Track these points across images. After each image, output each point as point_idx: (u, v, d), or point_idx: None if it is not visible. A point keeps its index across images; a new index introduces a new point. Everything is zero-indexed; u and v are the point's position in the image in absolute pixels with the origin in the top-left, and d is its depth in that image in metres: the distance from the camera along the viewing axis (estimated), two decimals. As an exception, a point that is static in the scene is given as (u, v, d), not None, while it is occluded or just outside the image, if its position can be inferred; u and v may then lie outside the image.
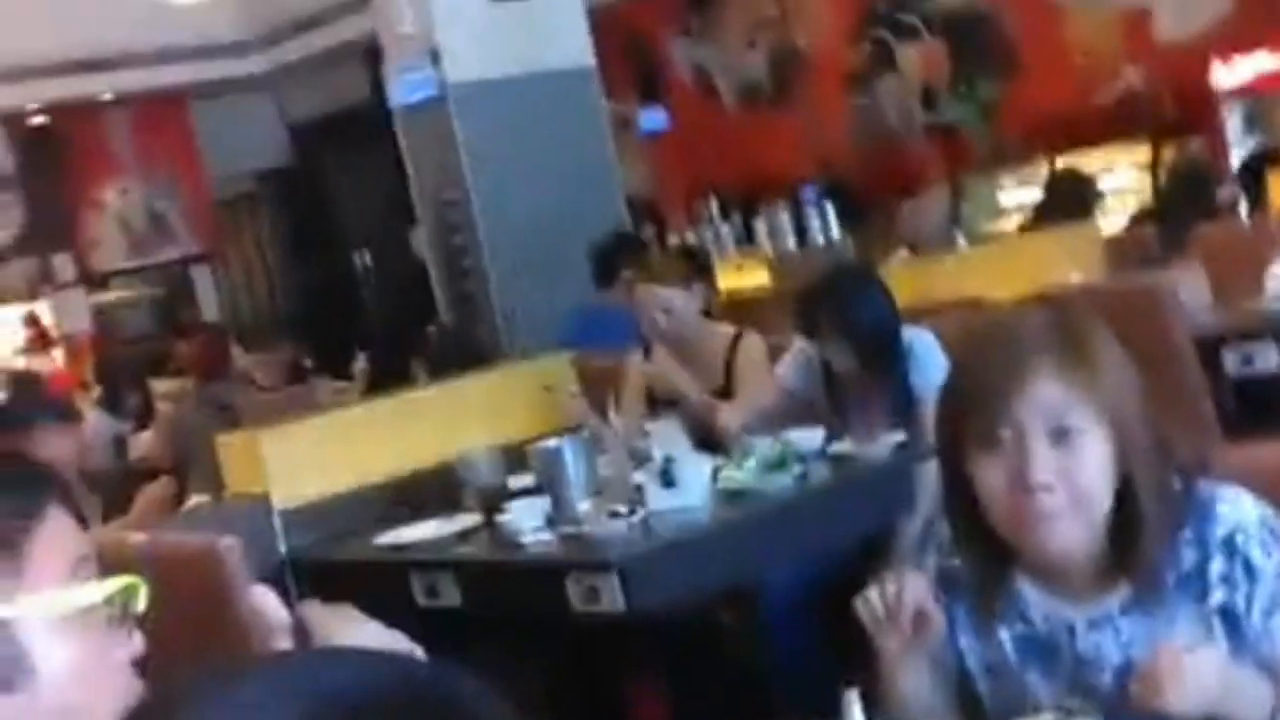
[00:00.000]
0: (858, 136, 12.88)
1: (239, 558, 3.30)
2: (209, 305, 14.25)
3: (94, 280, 13.67)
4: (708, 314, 5.21)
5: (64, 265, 13.52)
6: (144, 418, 7.96)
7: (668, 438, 3.96)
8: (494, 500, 4.09)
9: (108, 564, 1.54)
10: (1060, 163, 9.70)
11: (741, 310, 7.64)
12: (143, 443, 7.29)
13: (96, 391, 9.15)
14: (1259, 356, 4.95)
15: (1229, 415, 5.00)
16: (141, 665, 1.52)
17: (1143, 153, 10.29)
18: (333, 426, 4.82)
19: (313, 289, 14.54)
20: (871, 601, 1.99)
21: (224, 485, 4.69)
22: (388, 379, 6.52)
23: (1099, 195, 7.90)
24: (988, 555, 2.02)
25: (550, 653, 4.15)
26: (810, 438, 4.23)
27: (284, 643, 1.39)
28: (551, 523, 3.88)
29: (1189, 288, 5.29)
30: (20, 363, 12.30)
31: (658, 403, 4.98)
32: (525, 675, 3.94)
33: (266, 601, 1.43)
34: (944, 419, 2.03)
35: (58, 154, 13.34)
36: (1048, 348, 1.92)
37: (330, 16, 11.84)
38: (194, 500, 4.83)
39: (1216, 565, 1.93)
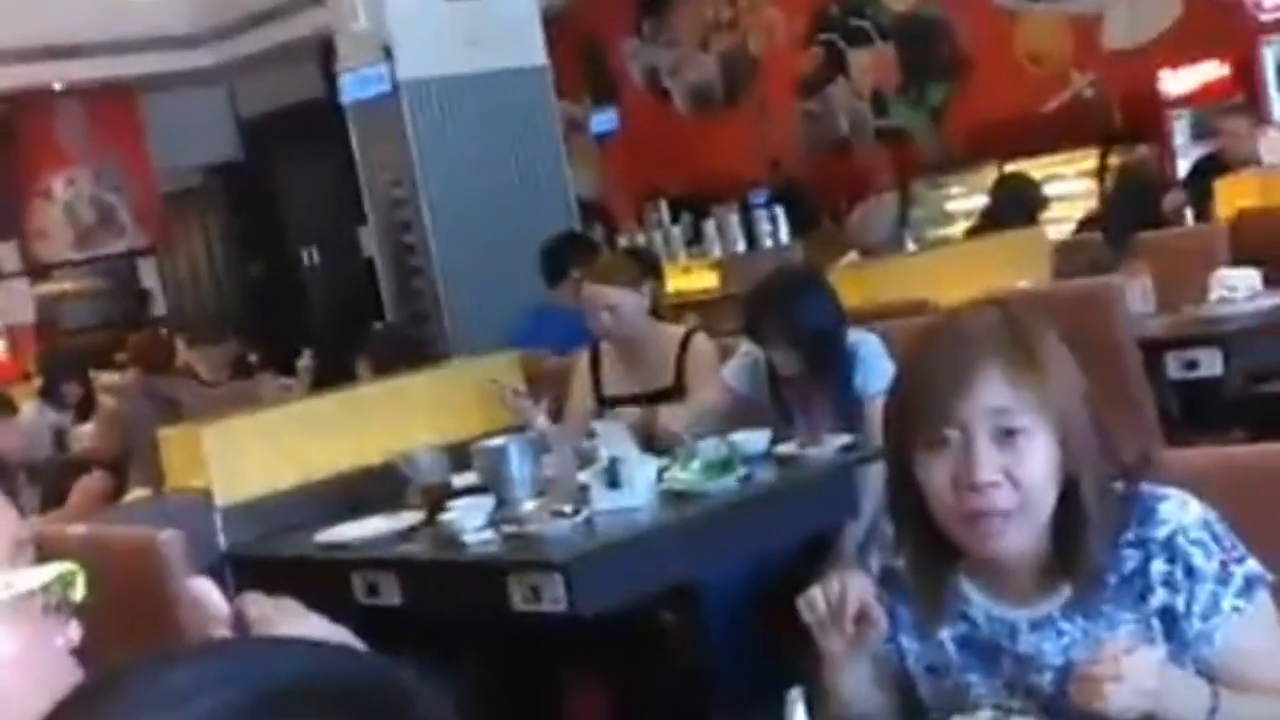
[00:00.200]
0: (808, 140, 12.93)
1: (179, 551, 3.28)
2: (154, 299, 14.14)
3: (38, 271, 13.55)
4: (657, 315, 5.21)
5: (8, 255, 13.40)
6: (85, 410, 7.89)
7: (613, 438, 3.95)
8: (437, 499, 4.07)
9: (46, 555, 1.52)
10: (1008, 169, 9.75)
11: (690, 313, 7.66)
12: (84, 435, 7.22)
13: (38, 383, 9.06)
14: (1203, 362, 4.98)
15: (1172, 419, 5.04)
16: (79, 656, 1.50)
17: (1090, 160, 10.37)
18: (276, 422, 4.79)
19: (259, 284, 14.48)
20: (815, 601, 1.99)
21: (165, 479, 4.65)
22: (333, 376, 6.49)
23: (1044, 201, 7.95)
24: (931, 555, 2.02)
25: (491, 652, 4.14)
26: (756, 439, 4.23)
27: (223, 634, 1.38)
28: (495, 522, 3.86)
29: (1134, 293, 5.33)
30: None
31: (604, 402, 4.98)
32: (465, 674, 3.92)
33: (207, 592, 1.41)
34: (891, 419, 2.03)
35: (5, 143, 13.22)
36: (994, 349, 1.93)
37: (283, 11, 11.78)
38: (134, 494, 4.78)
39: (1158, 567, 1.94)
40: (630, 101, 14.16)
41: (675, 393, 4.85)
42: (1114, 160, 10.00)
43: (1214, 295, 5.29)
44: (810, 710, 1.89)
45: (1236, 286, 5.27)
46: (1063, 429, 1.92)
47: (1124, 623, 1.95)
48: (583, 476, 3.96)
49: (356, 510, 4.31)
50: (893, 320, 4.80)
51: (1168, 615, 1.93)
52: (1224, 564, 1.93)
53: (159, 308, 13.99)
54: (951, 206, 11.16)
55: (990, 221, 7.77)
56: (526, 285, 7.08)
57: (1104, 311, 4.88)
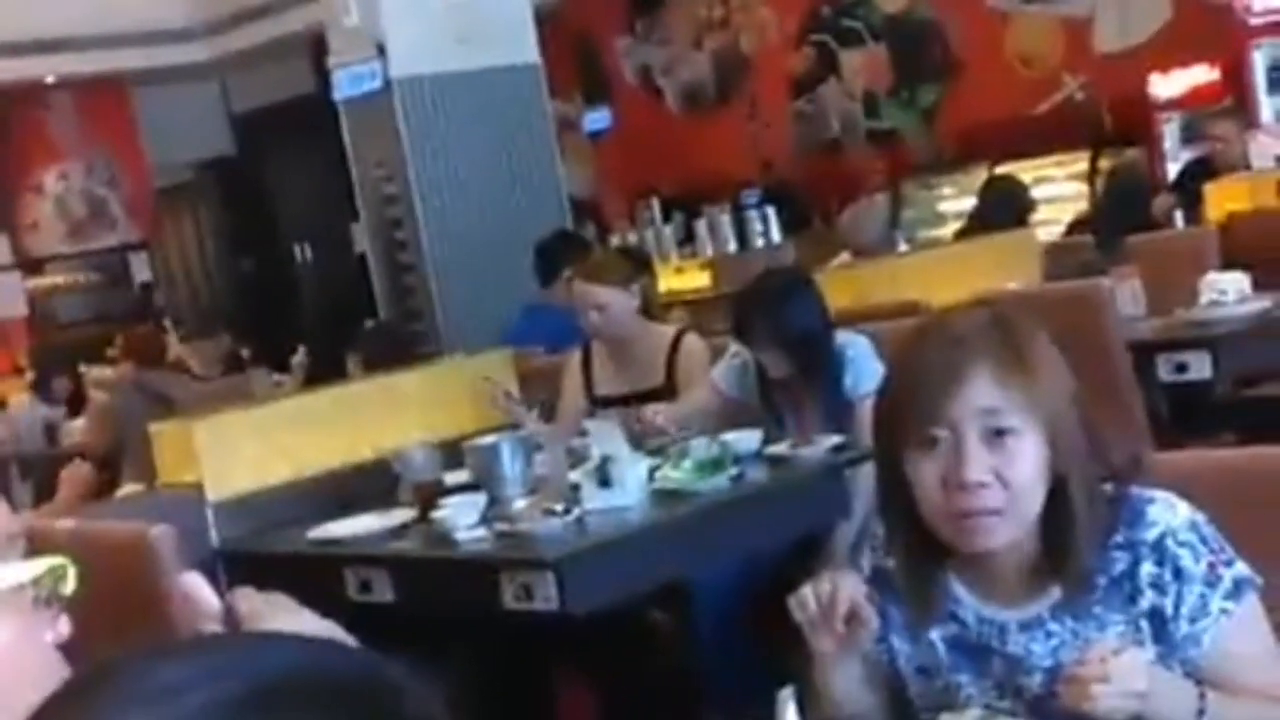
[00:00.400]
0: (800, 141, 12.94)
1: (171, 547, 3.28)
2: (157, 292, 14.11)
3: (30, 265, 13.52)
4: (649, 314, 5.21)
5: (0, 249, 13.38)
6: (77, 405, 7.89)
7: (605, 437, 3.96)
8: (429, 496, 4.08)
9: (37, 549, 1.53)
10: (998, 171, 9.77)
11: (681, 311, 7.67)
12: (76, 430, 7.22)
13: (29, 377, 9.05)
14: (1192, 364, 5.00)
15: (1162, 422, 5.05)
16: (69, 651, 1.50)
17: (1081, 162, 10.39)
18: (268, 418, 4.79)
19: (251, 280, 14.46)
20: (806, 600, 2.00)
21: (156, 474, 4.65)
22: (326, 372, 6.49)
23: (1031, 203, 7.96)
24: (921, 555, 2.03)
25: (482, 650, 4.14)
26: (747, 439, 4.24)
27: (214, 630, 1.38)
28: (487, 520, 3.87)
29: (1125, 296, 5.34)
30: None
31: (596, 402, 4.99)
32: (456, 672, 3.93)
33: (198, 588, 1.42)
34: (881, 419, 2.05)
35: (-1, 136, 13.21)
36: (985, 350, 1.94)
37: (277, 7, 11.76)
38: (126, 489, 4.78)
39: (1146, 569, 1.95)
40: (623, 100, 14.17)
41: (666, 392, 4.86)
42: (1104, 163, 10.02)
43: (1204, 298, 5.30)
44: (801, 710, 1.90)
45: (1226, 290, 5.29)
46: (1052, 430, 1.93)
47: (1113, 624, 1.96)
48: (574, 475, 3.96)
49: (348, 507, 4.32)
50: (884, 321, 4.81)
51: (1156, 617, 1.95)
52: (1212, 566, 1.94)
53: (158, 301, 13.97)
54: (943, 207, 11.17)
55: (979, 223, 7.79)
56: (518, 283, 7.09)
57: (1094, 314, 4.90)
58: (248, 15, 12.18)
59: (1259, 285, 5.38)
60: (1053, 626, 1.99)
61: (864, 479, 3.92)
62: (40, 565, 1.48)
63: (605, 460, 3.86)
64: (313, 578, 4.03)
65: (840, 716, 2.08)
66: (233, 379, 8.07)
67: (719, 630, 4.10)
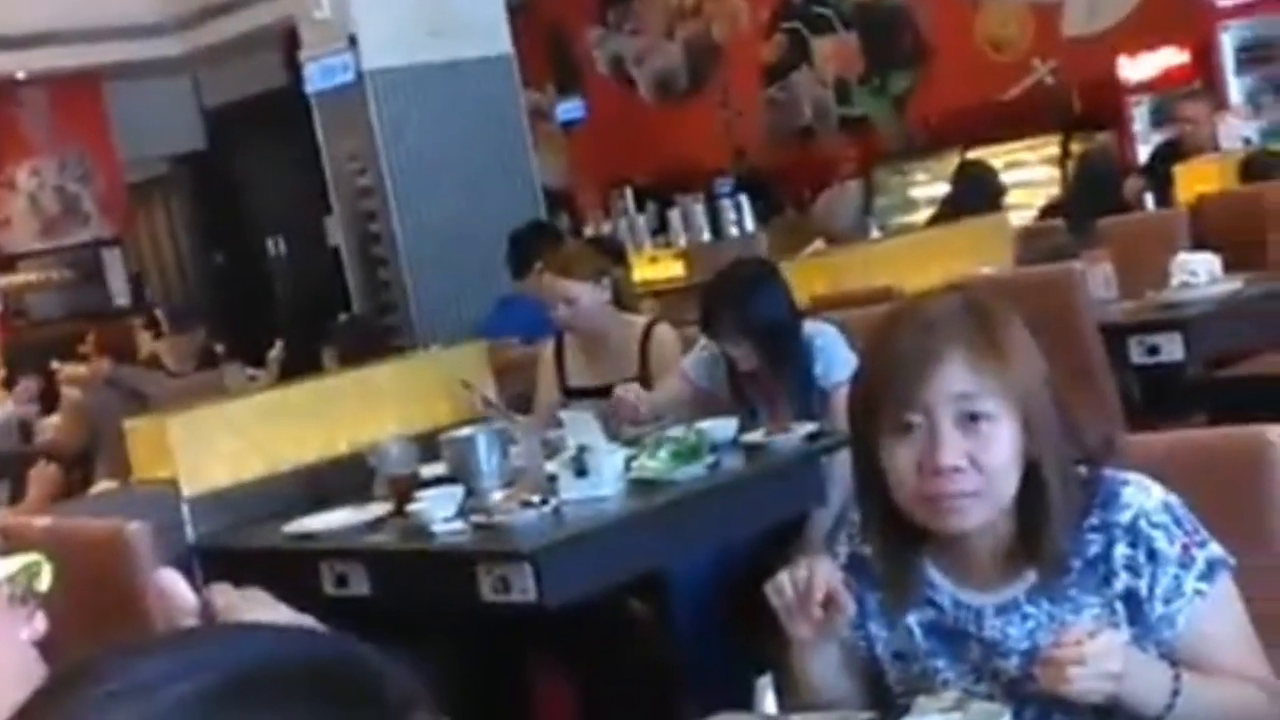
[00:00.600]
0: (772, 129, 12.94)
1: (147, 543, 3.27)
2: (119, 289, 14.05)
3: (2, 262, 13.46)
4: (620, 305, 5.20)
5: (-28, 246, 13.33)
6: (49, 402, 7.86)
7: (581, 427, 3.95)
8: (405, 489, 4.07)
9: (13, 546, 1.53)
10: (970, 156, 9.79)
11: (653, 302, 7.67)
12: (50, 427, 7.19)
13: (1, 375, 9.00)
14: (1164, 346, 5.02)
15: (1134, 404, 5.07)
16: (45, 649, 1.50)
17: (1052, 146, 10.41)
18: (242, 413, 4.77)
19: (225, 274, 14.42)
20: (782, 587, 2.00)
21: (131, 471, 4.63)
22: (301, 367, 6.48)
23: (1003, 188, 7.99)
24: (897, 541, 2.04)
25: (458, 642, 4.14)
26: (723, 427, 4.24)
27: (190, 625, 1.38)
28: (463, 512, 3.86)
29: (1096, 279, 5.36)
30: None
31: (569, 394, 4.98)
32: (434, 664, 3.92)
33: (173, 583, 1.41)
34: (856, 405, 2.05)
35: (-31, 133, 13.14)
36: (958, 335, 1.94)
37: (247, 1, 11.73)
38: (101, 485, 4.76)
39: (1120, 551, 1.96)
40: (595, 90, 14.15)
41: (640, 383, 4.85)
42: (1075, 147, 10.05)
43: (1175, 280, 5.32)
44: (779, 696, 1.91)
45: (1197, 271, 5.31)
46: (1025, 413, 1.94)
47: (1088, 607, 1.97)
48: (551, 466, 3.96)
49: (324, 501, 4.31)
50: (857, 308, 4.82)
51: (1131, 599, 1.95)
52: (1186, 547, 1.95)
53: (124, 298, 13.90)
54: (915, 193, 11.19)
55: (951, 209, 7.82)
56: (493, 275, 7.08)
57: (1066, 297, 4.91)
58: (218, 9, 12.14)
59: (1229, 266, 5.41)
60: (1028, 610, 2.00)
61: (840, 466, 3.92)
62: (15, 563, 1.48)
63: (581, 450, 3.85)
64: (289, 572, 4.02)
65: (818, 702, 2.09)
66: (207, 374, 8.04)
67: (696, 619, 4.10)
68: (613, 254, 6.91)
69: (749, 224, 10.58)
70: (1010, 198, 8.25)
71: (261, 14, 11.42)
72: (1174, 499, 1.99)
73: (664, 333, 4.96)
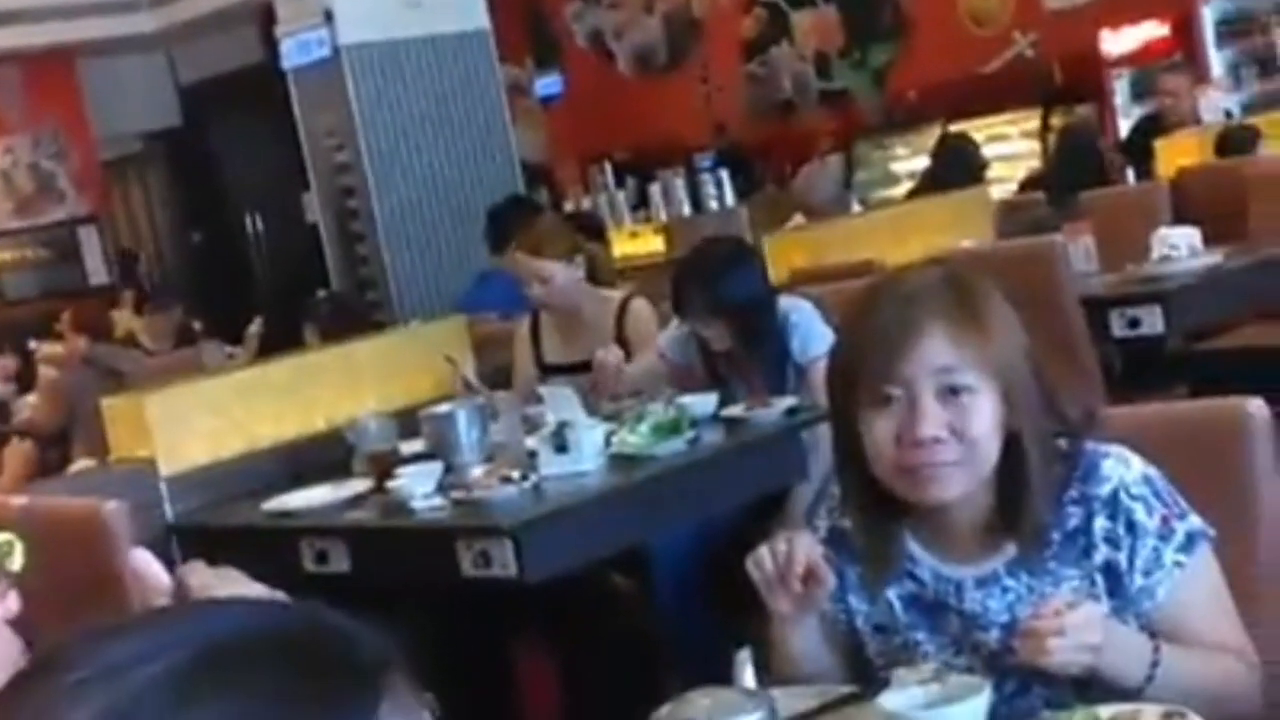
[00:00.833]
0: (752, 103, 12.92)
1: (124, 522, 3.26)
2: (96, 267, 13.98)
3: (-24, 242, 13.40)
4: (596, 280, 5.18)
5: (-55, 226, 13.25)
6: (26, 381, 7.83)
7: (561, 402, 3.94)
8: (385, 466, 4.06)
9: (-10, 526, 1.51)
10: (951, 130, 9.78)
11: (634, 276, 7.66)
12: (27, 406, 7.17)
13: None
14: (1145, 319, 5.02)
15: (1114, 377, 5.08)
16: (21, 628, 1.49)
17: (1033, 120, 10.41)
18: (220, 391, 4.75)
19: (202, 252, 14.36)
20: (762, 561, 2.00)
21: (108, 449, 4.61)
22: (281, 344, 6.45)
23: (984, 161, 7.99)
24: (877, 514, 2.03)
25: (439, 619, 4.14)
26: (704, 401, 4.24)
27: (164, 605, 1.37)
28: (443, 488, 3.85)
29: (1077, 252, 5.36)
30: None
31: (546, 370, 4.97)
32: (413, 641, 3.91)
33: (147, 564, 1.40)
34: (835, 377, 2.04)
35: (-58, 111, 13.05)
36: (939, 308, 1.94)
37: (223, -25, 11.66)
38: (78, 464, 4.75)
39: (1100, 523, 1.96)
40: (574, 64, 14.11)
41: (620, 357, 4.84)
42: (1056, 120, 10.05)
43: (1155, 253, 5.32)
44: (759, 670, 1.90)
45: (1178, 245, 5.31)
46: (1006, 386, 1.93)
47: (1068, 579, 1.96)
48: (531, 442, 3.95)
49: (303, 478, 4.29)
50: (838, 282, 4.82)
51: (1111, 571, 1.95)
52: (1165, 519, 1.95)
53: (101, 276, 13.83)
54: (896, 167, 11.19)
55: (932, 182, 7.81)
56: (471, 250, 7.06)
57: (1047, 270, 4.91)
58: (194, -16, 12.07)
59: (1210, 239, 5.41)
60: (1008, 582, 2.00)
61: (820, 441, 3.92)
62: (-14, 541, 1.47)
63: (561, 426, 3.85)
64: (268, 550, 4.01)
65: (798, 676, 2.08)
66: (184, 352, 8.01)
67: (677, 593, 4.10)
68: (592, 229, 6.91)
69: (729, 199, 10.56)
70: (991, 171, 8.25)
71: (237, -11, 11.35)
72: (1154, 471, 1.98)
73: (640, 307, 4.95)
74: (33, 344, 8.50)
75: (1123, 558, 1.94)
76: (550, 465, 3.82)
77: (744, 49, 12.94)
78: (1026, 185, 8.38)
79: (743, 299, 4.32)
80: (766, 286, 4.47)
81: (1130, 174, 7.48)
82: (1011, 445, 1.95)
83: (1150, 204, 6.22)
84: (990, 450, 1.94)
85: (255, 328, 8.30)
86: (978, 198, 7.11)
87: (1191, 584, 1.95)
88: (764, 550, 2.00)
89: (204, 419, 4.55)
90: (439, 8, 8.04)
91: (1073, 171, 6.95)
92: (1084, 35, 10.19)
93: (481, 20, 8.30)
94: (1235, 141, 7.03)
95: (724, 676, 1.87)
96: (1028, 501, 1.95)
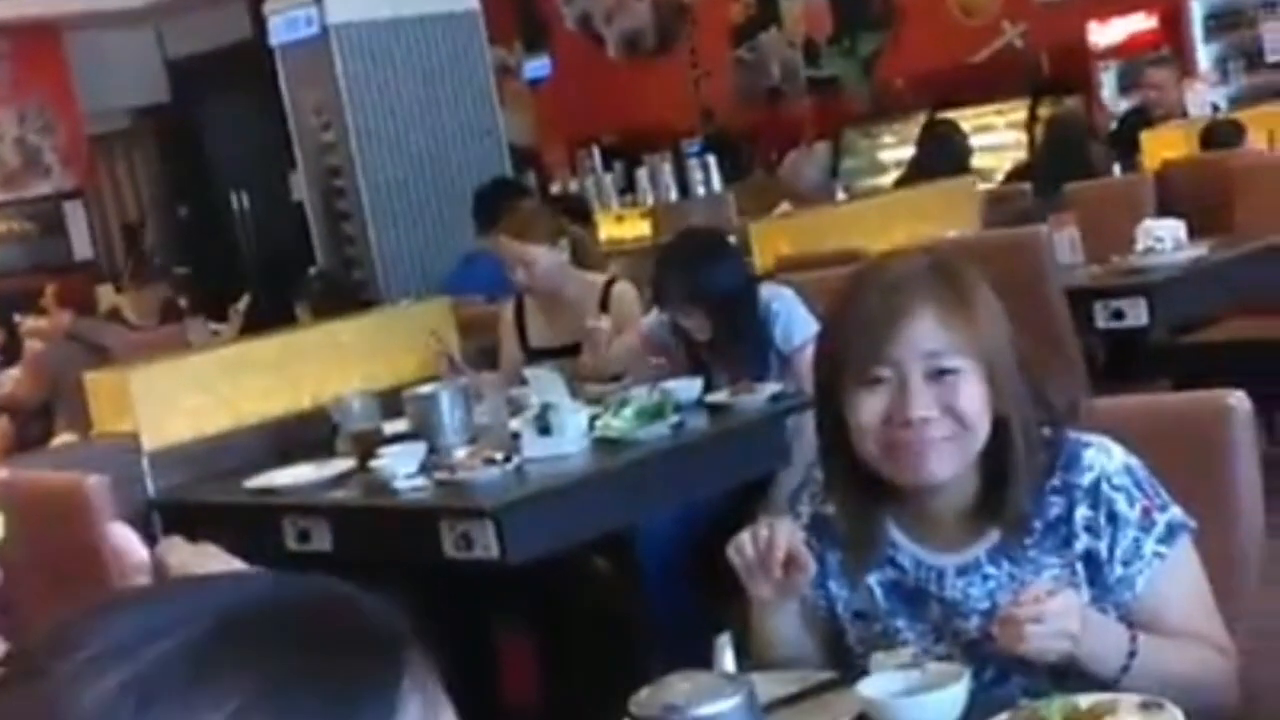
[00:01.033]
0: (740, 89, 12.90)
1: (106, 497, 3.25)
2: (81, 242, 13.94)
3: (-39, 216, 13.34)
4: (581, 264, 5.18)
5: (-69, 200, 13.19)
6: (11, 355, 7.81)
7: (545, 385, 3.94)
8: (368, 445, 4.05)
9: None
10: (937, 117, 9.78)
11: (620, 259, 7.65)
12: (10, 380, 7.15)
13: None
14: (1129, 311, 5.03)
15: (1098, 368, 5.09)
16: (3, 601, 1.49)
17: (1020, 110, 10.41)
18: (205, 367, 4.74)
19: (188, 228, 14.33)
20: (744, 546, 2.00)
21: (91, 424, 4.60)
22: (270, 321, 6.43)
23: (969, 148, 7.99)
24: (860, 501, 2.04)
25: (421, 599, 4.13)
26: (687, 387, 4.24)
27: (143, 582, 1.37)
28: (426, 469, 3.85)
29: (1062, 243, 5.37)
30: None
31: (531, 353, 4.97)
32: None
33: (126, 540, 1.40)
34: (822, 361, 2.05)
35: (-72, 85, 12.99)
36: (926, 293, 1.94)
37: (211, -49, 11.64)
38: (61, 438, 4.74)
39: (1081, 512, 1.96)
40: (563, 48, 14.08)
41: (606, 340, 4.84)
42: (1043, 111, 10.05)
43: (1140, 245, 5.33)
44: (739, 654, 1.91)
45: (1162, 237, 5.32)
46: (992, 372, 1.94)
47: (1048, 568, 1.97)
48: (514, 424, 3.95)
49: (287, 456, 4.29)
50: (824, 269, 4.82)
51: (1091, 560, 1.96)
52: (1146, 510, 1.96)
53: (86, 251, 13.78)
54: (883, 156, 11.19)
55: (917, 170, 7.82)
56: (458, 231, 7.05)
57: (1032, 260, 4.92)
58: (182, -40, 12.04)
59: (1194, 232, 5.42)
60: (989, 570, 2.00)
61: (804, 427, 3.92)
62: (-34, 515, 1.46)
63: (545, 408, 3.84)
64: (250, 527, 4.01)
65: (778, 661, 2.09)
66: (169, 328, 7.99)
67: (660, 577, 4.10)
68: (579, 212, 6.90)
69: (716, 184, 10.54)
70: (977, 161, 8.26)
71: (227, -35, 11.33)
72: (1135, 462, 1.99)
73: (624, 289, 4.95)
74: (17, 318, 8.47)
75: (1103, 547, 1.95)
76: (534, 448, 3.82)
77: (733, 34, 12.92)
78: (1013, 176, 8.38)
79: (721, 291, 4.31)
80: (746, 277, 4.47)
81: (1116, 166, 7.49)
82: (997, 431, 1.95)
83: (1135, 196, 6.23)
84: (980, 429, 1.94)
85: (241, 304, 8.28)
86: (965, 187, 7.12)
87: (1171, 575, 1.96)
88: (745, 536, 2.01)
89: (188, 395, 4.54)
90: (429, -13, 8.02)
91: (1059, 162, 6.95)
92: (1072, 26, 10.20)
93: (471, 1, 8.28)
94: (1221, 135, 7.04)
95: (704, 660, 1.87)
96: (1011, 489, 1.96)
